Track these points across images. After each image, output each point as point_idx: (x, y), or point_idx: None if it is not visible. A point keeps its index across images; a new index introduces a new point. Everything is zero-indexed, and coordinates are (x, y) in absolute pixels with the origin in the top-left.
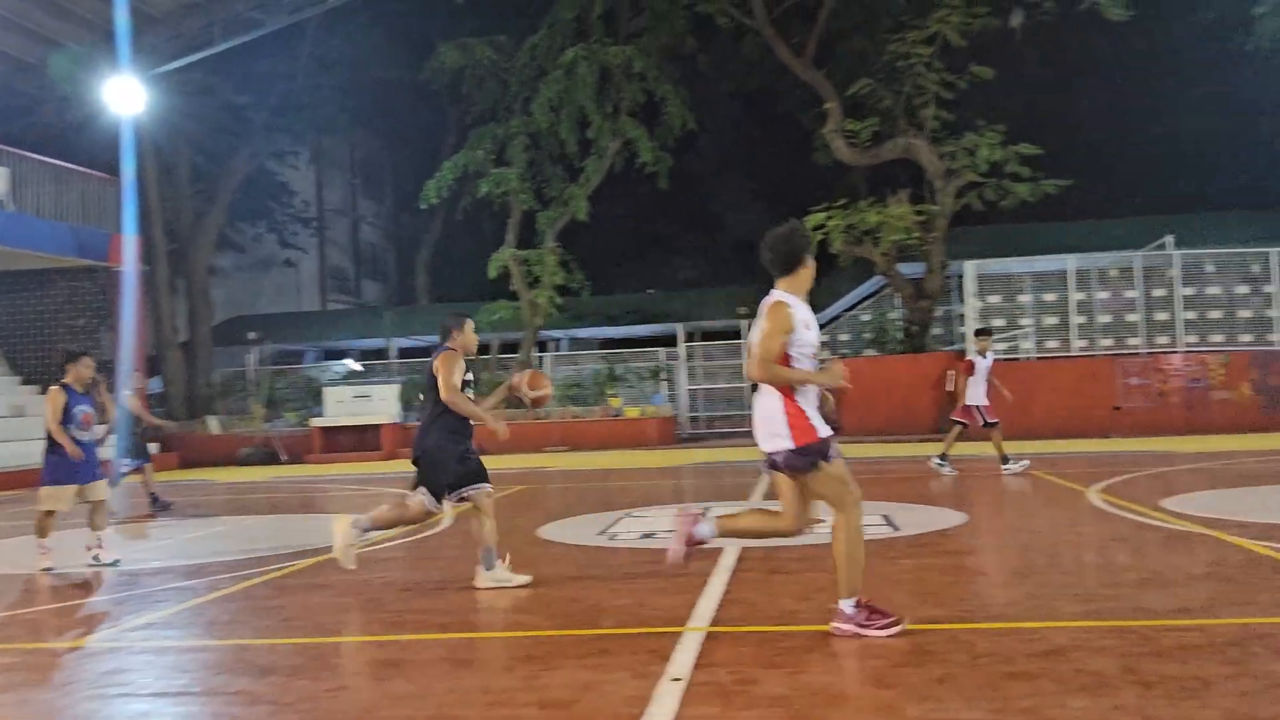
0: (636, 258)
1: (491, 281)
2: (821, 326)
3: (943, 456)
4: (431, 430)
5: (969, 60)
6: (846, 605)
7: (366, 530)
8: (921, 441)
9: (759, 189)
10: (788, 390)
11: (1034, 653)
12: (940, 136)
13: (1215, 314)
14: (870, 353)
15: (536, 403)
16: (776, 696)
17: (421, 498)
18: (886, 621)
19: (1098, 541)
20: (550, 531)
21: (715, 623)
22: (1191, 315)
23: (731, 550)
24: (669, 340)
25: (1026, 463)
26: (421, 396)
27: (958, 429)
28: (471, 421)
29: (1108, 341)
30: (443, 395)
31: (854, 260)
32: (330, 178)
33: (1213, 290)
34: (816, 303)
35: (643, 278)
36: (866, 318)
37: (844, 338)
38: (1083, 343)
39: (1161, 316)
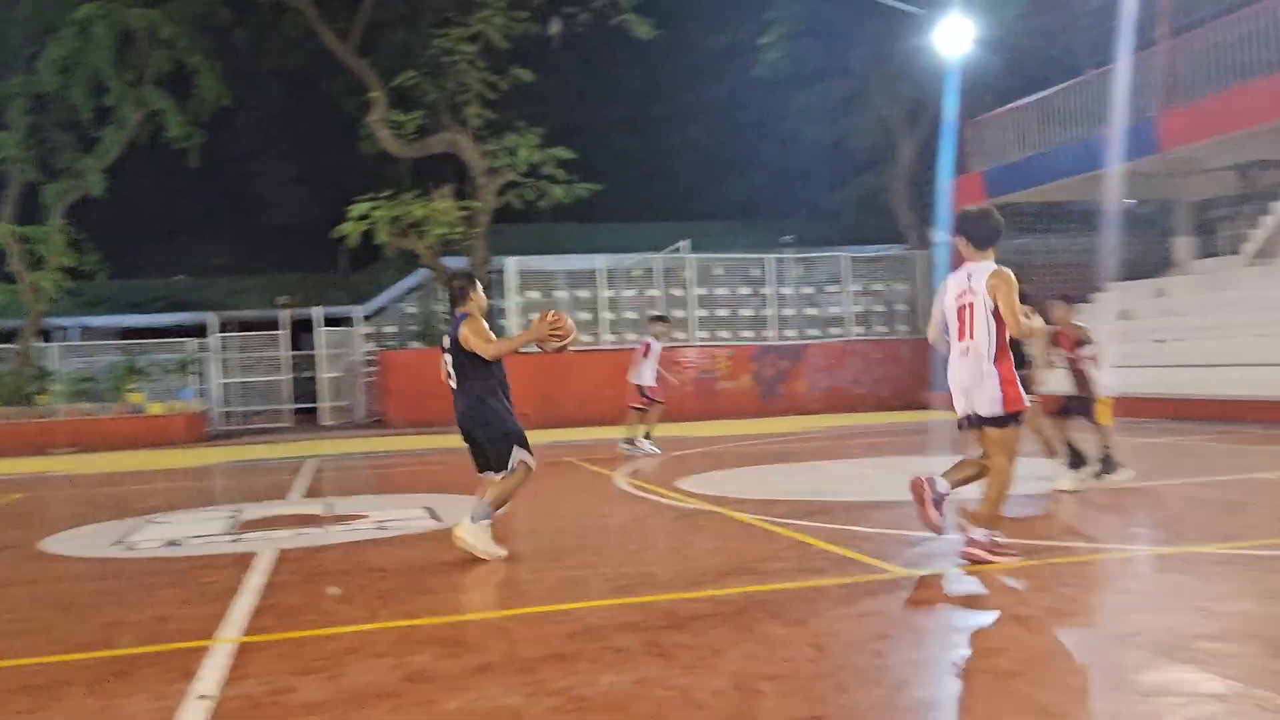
0: (165, 240)
1: None
2: (367, 318)
3: (646, 436)
4: (473, 402)
5: (511, 62)
6: (981, 534)
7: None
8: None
9: (302, 173)
10: (1006, 355)
11: (568, 634)
12: (483, 135)
13: (723, 312)
14: (416, 345)
15: (561, 346)
16: (313, 703)
17: (519, 460)
18: (1009, 552)
19: (623, 522)
20: (55, 544)
21: (249, 632)
22: (704, 313)
23: (266, 553)
24: (200, 330)
25: (656, 450)
26: (452, 375)
27: (659, 408)
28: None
29: (633, 336)
30: (480, 347)
31: (399, 252)
32: None
33: (721, 291)
34: (359, 295)
35: (171, 262)
36: (412, 310)
37: (389, 330)
38: (612, 336)
39: (679, 313)
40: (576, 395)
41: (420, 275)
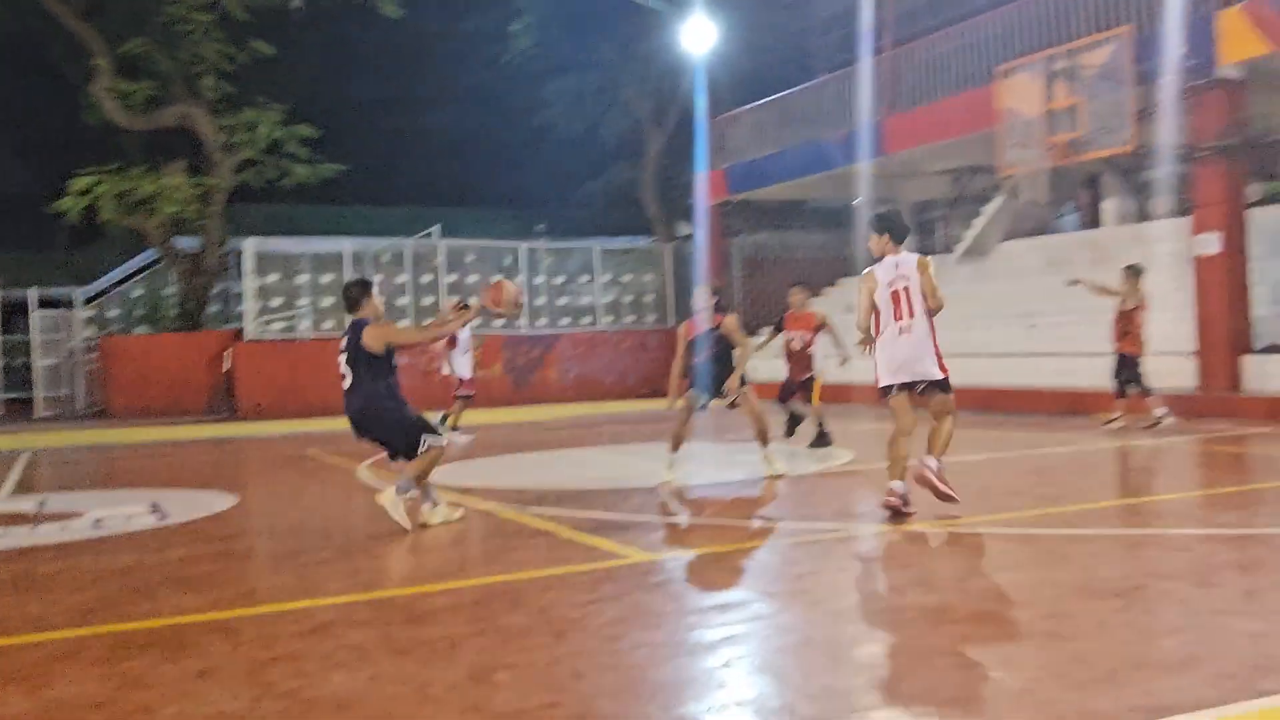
0: None
1: None
2: (88, 301)
3: (454, 426)
4: (369, 403)
5: (251, 34)
6: (932, 462)
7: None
8: (197, 424)
9: (21, 144)
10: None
11: (298, 633)
12: (220, 109)
13: (474, 299)
14: (143, 330)
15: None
16: (12, 716)
17: (430, 443)
18: (949, 494)
19: (364, 517)
20: None
21: None
22: (454, 300)
23: None
24: None
25: (472, 438)
26: (347, 373)
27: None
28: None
29: None
30: (417, 339)
31: (126, 230)
32: None
33: (473, 278)
34: (81, 276)
35: None
36: (139, 293)
37: (113, 314)
38: None
39: (428, 300)
40: (319, 384)
41: (149, 255)
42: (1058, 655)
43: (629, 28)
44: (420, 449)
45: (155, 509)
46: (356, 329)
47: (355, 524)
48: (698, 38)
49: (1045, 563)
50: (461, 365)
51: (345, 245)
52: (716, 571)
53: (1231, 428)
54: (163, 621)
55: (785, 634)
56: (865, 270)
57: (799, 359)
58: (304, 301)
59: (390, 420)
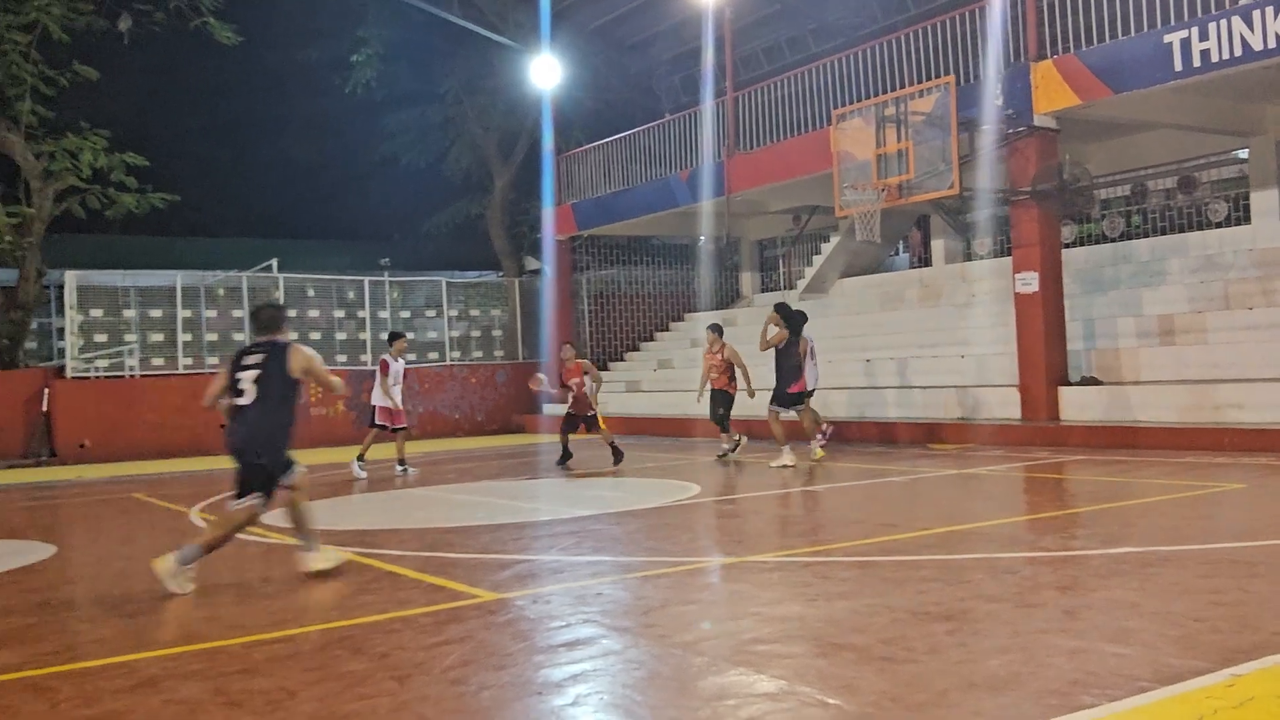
0: None
1: None
2: None
3: (360, 458)
4: (272, 424)
5: (73, 57)
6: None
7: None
8: (11, 468)
9: None
10: None
11: (123, 688)
12: (38, 134)
13: (315, 335)
14: None
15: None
16: None
17: (253, 501)
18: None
19: (198, 563)
20: None
21: None
22: (294, 335)
23: None
24: None
25: (416, 470)
26: (250, 390)
27: (375, 431)
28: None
29: (214, 359)
30: (327, 380)
31: None
32: None
33: (314, 313)
34: None
35: None
36: None
37: None
38: (189, 360)
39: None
40: (148, 424)
41: None
42: (895, 679)
43: (474, 62)
44: (285, 481)
45: None
46: (278, 348)
47: (197, 570)
48: (544, 74)
49: (880, 589)
50: (395, 396)
51: (176, 278)
52: (565, 608)
53: (1051, 455)
54: None
55: (634, 669)
56: None
57: (579, 399)
58: (132, 337)
59: (281, 449)
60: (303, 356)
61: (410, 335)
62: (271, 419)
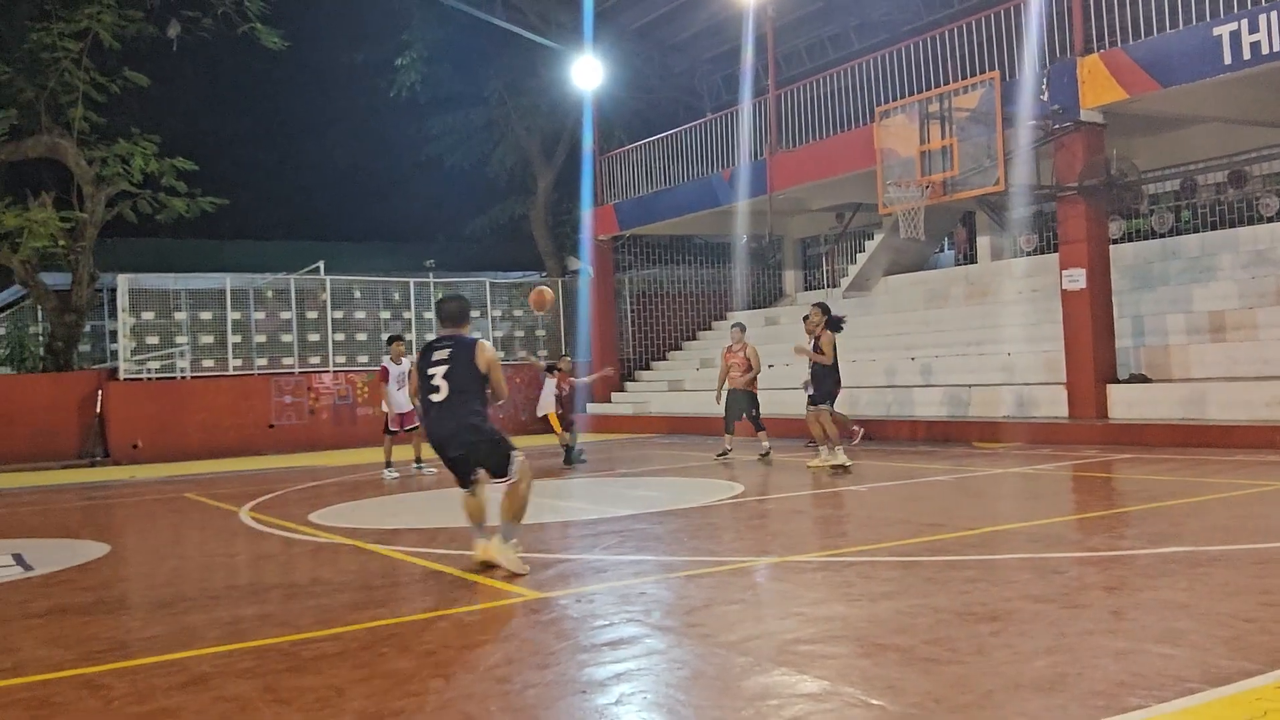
0: None
1: None
2: None
3: (417, 460)
4: (468, 415)
5: (124, 64)
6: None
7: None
8: (67, 468)
9: None
10: None
11: (174, 686)
12: (90, 140)
13: (361, 336)
14: (6, 370)
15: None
16: None
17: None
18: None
19: (247, 561)
20: None
21: None
22: (341, 336)
23: None
24: None
25: (395, 476)
26: (443, 386)
27: (389, 438)
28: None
29: (263, 360)
30: (502, 381)
31: None
32: None
33: (360, 314)
34: None
35: None
36: (2, 331)
37: None
38: (238, 361)
39: (314, 337)
40: (199, 425)
41: (14, 292)
42: (939, 680)
43: (516, 64)
44: (510, 468)
45: (18, 560)
46: (465, 344)
47: (237, 569)
48: (586, 76)
49: (925, 589)
50: (400, 400)
51: (226, 281)
52: (608, 607)
53: (1099, 454)
54: (26, 679)
55: (677, 668)
56: None
57: (566, 401)
58: (182, 339)
59: (487, 435)
60: (490, 353)
61: None
62: (466, 409)
